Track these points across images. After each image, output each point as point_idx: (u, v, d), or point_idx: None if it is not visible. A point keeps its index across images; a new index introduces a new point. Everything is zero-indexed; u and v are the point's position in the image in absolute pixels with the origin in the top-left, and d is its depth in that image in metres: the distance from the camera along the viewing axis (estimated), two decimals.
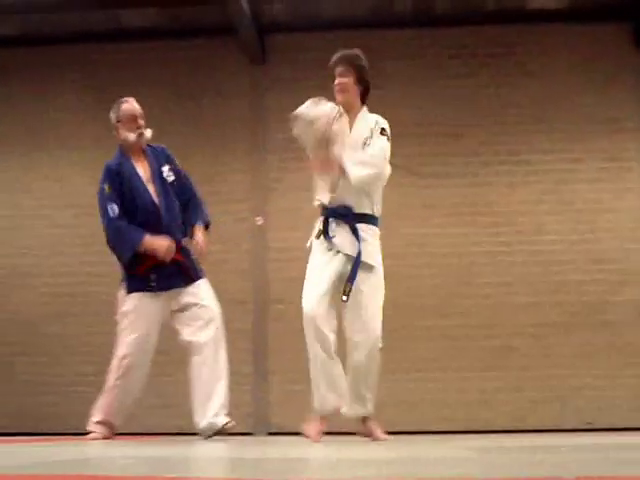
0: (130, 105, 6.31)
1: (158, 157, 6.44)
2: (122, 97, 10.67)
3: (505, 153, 10.24)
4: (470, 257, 10.06)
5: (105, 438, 6.33)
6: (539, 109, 10.29)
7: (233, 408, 6.53)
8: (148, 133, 6.42)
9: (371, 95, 10.37)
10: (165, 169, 6.40)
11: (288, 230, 9.94)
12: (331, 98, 10.36)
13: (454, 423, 9.64)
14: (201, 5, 10.44)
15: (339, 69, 5.88)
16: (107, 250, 10.34)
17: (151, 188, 6.34)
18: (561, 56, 10.41)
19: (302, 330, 9.32)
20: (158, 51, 10.90)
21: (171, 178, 6.39)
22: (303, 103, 10.29)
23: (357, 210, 5.77)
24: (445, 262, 10.07)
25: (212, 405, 6.19)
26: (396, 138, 10.26)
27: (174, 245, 6.20)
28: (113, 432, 6.47)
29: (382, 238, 10.01)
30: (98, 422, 6.41)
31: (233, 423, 6.29)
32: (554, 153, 10.23)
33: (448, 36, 10.54)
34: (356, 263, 5.61)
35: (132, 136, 6.35)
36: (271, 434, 9.65)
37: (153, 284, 6.25)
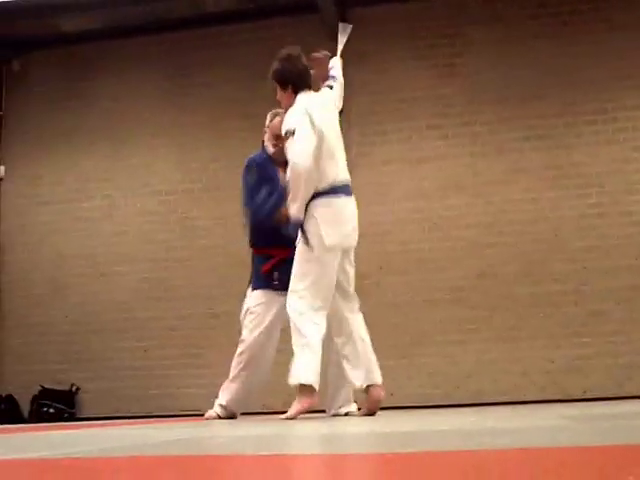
0: (278, 123, 6.22)
1: None
2: (204, 83, 10.90)
3: (591, 112, 9.79)
4: (558, 221, 9.66)
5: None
6: (626, 64, 9.81)
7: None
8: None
9: (452, 62, 10.26)
10: None
11: (376, 204, 9.74)
12: (411, 68, 10.26)
13: (546, 391, 9.30)
14: None
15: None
16: (193, 234, 10.56)
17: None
18: None
19: (393, 304, 9.20)
20: (239, 34, 10.85)
21: None
22: (384, 74, 10.26)
23: None
24: (533, 228, 9.69)
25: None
26: (478, 104, 10.09)
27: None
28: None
29: (471, 207, 9.90)
30: (220, 405, 6.40)
31: None
32: None
33: None
34: None
35: (270, 149, 6.42)
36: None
37: (276, 282, 6.28)
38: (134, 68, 11.14)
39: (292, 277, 5.76)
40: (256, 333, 6.27)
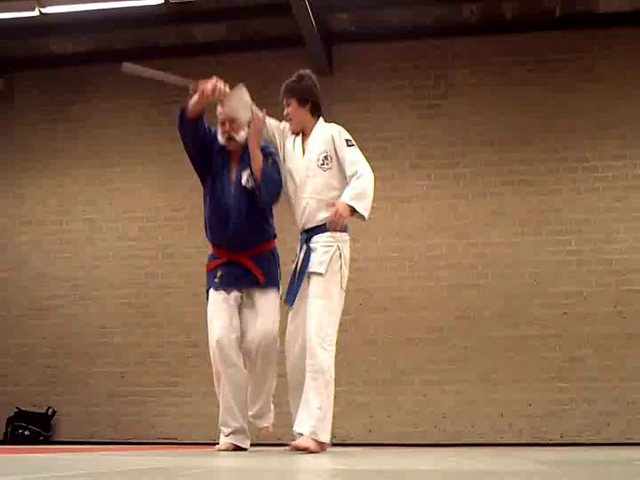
0: (222, 109, 5.86)
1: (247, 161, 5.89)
2: None
3: (573, 160, 9.72)
4: (538, 266, 9.56)
5: (235, 449, 5.75)
6: (608, 115, 9.76)
7: None
8: (240, 137, 5.82)
9: (437, 103, 10.14)
10: (245, 174, 5.85)
11: (356, 241, 9.49)
12: (396, 107, 10.11)
13: (522, 435, 9.18)
14: (269, 18, 10.17)
15: (283, 101, 5.76)
16: (174, 262, 10.32)
17: (231, 189, 5.84)
18: (631, 60, 9.85)
19: (371, 341, 8.98)
20: (227, 64, 10.62)
21: (250, 184, 5.84)
22: (369, 112, 10.09)
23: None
24: (513, 272, 9.58)
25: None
26: (462, 146, 9.96)
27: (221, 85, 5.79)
28: (242, 440, 5.82)
29: (452, 248, 9.76)
30: (225, 435, 5.80)
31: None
32: (624, 159, 9.69)
33: (514, 42, 10.08)
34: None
35: (221, 139, 5.89)
36: (335, 445, 9.25)
37: (217, 281, 5.85)
38: (121, 93, 10.88)
39: (321, 313, 5.35)
40: (212, 342, 5.82)
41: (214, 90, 5.61)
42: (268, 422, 5.92)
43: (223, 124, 5.87)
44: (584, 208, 9.59)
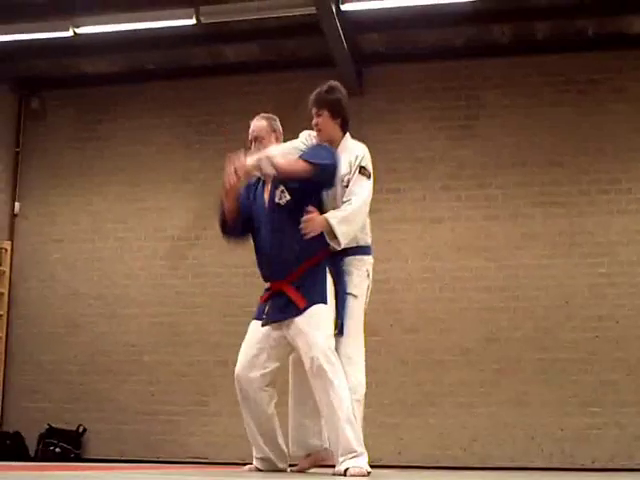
0: (252, 125, 5.68)
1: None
2: (222, 131, 10.62)
3: (605, 182, 9.56)
4: (570, 289, 9.39)
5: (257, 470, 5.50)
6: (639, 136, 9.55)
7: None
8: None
9: (468, 124, 10.03)
10: (278, 191, 5.58)
11: (387, 262, 9.42)
12: (426, 128, 10.01)
13: (553, 459, 9.02)
14: (300, 38, 10.12)
15: (312, 110, 5.47)
16: (204, 281, 10.25)
17: (265, 211, 5.48)
18: None
19: (402, 363, 8.83)
20: (258, 84, 10.60)
21: (284, 199, 5.57)
22: (399, 134, 10.00)
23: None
24: (544, 294, 9.43)
25: None
26: (493, 168, 9.85)
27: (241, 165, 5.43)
28: (270, 466, 5.52)
29: (482, 269, 9.64)
30: (256, 457, 5.54)
31: None
32: None
33: (546, 63, 9.94)
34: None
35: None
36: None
37: (264, 316, 5.45)
38: (152, 113, 10.88)
39: (351, 337, 5.19)
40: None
41: (230, 182, 5.36)
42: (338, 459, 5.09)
43: (251, 142, 5.64)
44: (616, 231, 9.42)
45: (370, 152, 9.52)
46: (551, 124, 9.78)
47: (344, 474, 4.82)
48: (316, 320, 5.17)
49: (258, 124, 5.64)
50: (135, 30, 9.99)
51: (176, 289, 10.42)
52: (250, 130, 5.63)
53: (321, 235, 5.21)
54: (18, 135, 11.27)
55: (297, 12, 9.48)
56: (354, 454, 4.88)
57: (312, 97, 5.54)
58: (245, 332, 9.53)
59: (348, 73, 9.99)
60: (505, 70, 10.01)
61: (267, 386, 5.38)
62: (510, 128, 9.87)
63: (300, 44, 10.28)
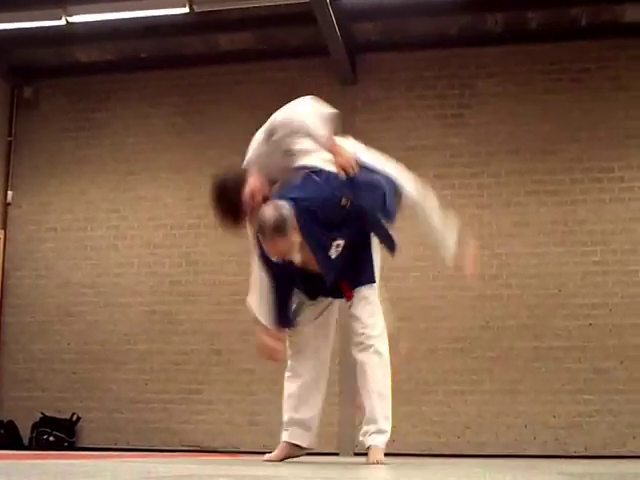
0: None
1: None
2: (215, 120, 10.49)
3: (598, 170, 9.48)
4: (563, 277, 9.32)
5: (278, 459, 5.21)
6: (634, 124, 9.50)
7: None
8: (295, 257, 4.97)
9: (461, 113, 9.93)
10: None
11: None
12: (420, 117, 9.90)
13: (546, 447, 8.94)
14: (294, 27, 10.00)
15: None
16: (198, 269, 10.13)
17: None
18: None
19: (394, 351, 8.69)
20: (252, 73, 10.50)
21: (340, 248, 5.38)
22: (392, 122, 9.88)
23: None
24: (537, 282, 9.35)
25: None
26: (486, 156, 9.74)
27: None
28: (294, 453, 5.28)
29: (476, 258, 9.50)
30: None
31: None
32: None
33: (539, 52, 9.85)
34: None
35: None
36: (357, 454, 9.07)
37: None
38: (146, 102, 10.76)
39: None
40: None
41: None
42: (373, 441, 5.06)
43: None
44: (610, 219, 9.34)
45: (363, 141, 9.42)
46: (544, 112, 9.69)
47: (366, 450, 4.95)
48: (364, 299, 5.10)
49: (274, 248, 4.78)
50: (128, 19, 9.90)
51: (170, 278, 10.31)
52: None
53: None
54: (11, 124, 11.13)
55: (291, 1, 9.40)
56: (378, 429, 4.99)
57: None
58: (238, 320, 9.49)
59: (341, 61, 9.91)
60: (498, 59, 9.92)
61: None
62: (503, 116, 9.78)
63: (294, 33, 10.16)
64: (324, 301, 5.24)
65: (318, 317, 5.28)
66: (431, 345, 9.40)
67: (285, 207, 4.82)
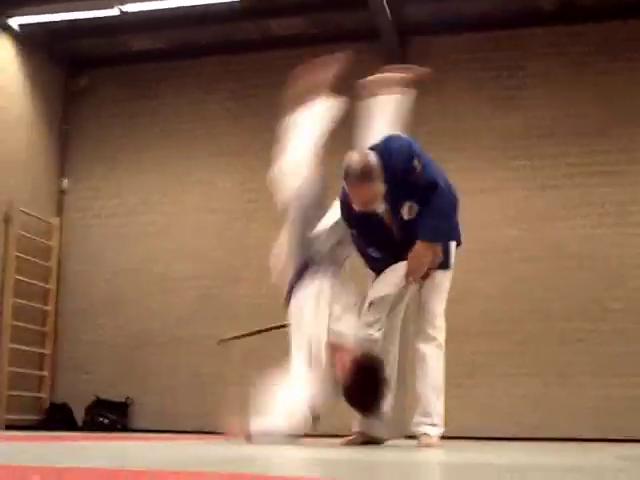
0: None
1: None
2: (270, 104, 10.49)
3: None
4: (616, 259, 9.17)
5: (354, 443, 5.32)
6: None
7: None
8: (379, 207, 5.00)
9: (513, 95, 9.82)
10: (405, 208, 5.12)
11: None
12: (471, 99, 9.80)
13: (599, 430, 8.76)
14: (345, 11, 9.99)
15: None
16: (250, 254, 10.13)
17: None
18: None
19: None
20: (304, 58, 10.40)
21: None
22: (444, 105, 9.80)
23: None
24: (589, 264, 9.19)
25: None
26: (538, 138, 9.61)
27: None
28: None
29: (524, 240, 9.41)
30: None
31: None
32: None
33: (593, 32, 9.72)
34: None
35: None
36: (407, 437, 8.99)
37: None
38: (199, 88, 10.83)
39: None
40: None
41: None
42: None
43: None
44: None
45: (414, 125, 9.33)
46: (597, 94, 9.53)
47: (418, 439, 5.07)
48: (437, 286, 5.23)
49: (360, 194, 4.85)
50: (180, 7, 9.96)
51: (222, 263, 10.33)
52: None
53: None
54: (65, 112, 11.27)
55: None
56: (432, 423, 5.14)
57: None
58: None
59: (392, 45, 9.89)
60: (550, 39, 9.80)
61: None
62: (556, 98, 9.66)
63: (345, 16, 10.15)
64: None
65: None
66: (479, 328, 9.30)
67: (371, 155, 4.83)
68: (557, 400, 9.02)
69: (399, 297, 5.16)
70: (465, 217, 9.55)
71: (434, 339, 5.19)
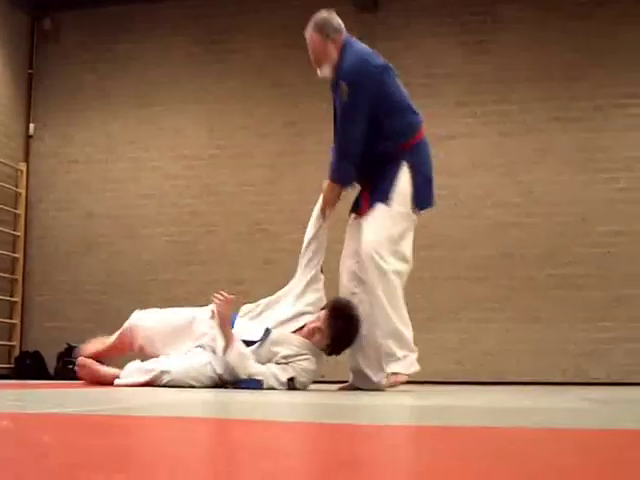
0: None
1: None
2: (232, 48, 10.39)
3: (622, 96, 9.28)
4: (585, 205, 9.19)
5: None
6: None
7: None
8: (323, 71, 5.37)
9: (483, 40, 9.75)
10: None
11: None
12: (441, 44, 9.72)
13: (566, 374, 8.91)
14: None
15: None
16: (218, 200, 10.09)
17: None
18: None
19: (415, 280, 8.70)
20: (269, 1, 10.29)
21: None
22: (414, 50, 9.72)
23: None
24: (559, 210, 9.23)
25: None
26: (510, 82, 9.57)
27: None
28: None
29: (497, 186, 9.44)
30: None
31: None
32: None
33: None
34: None
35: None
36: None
37: None
38: (166, 32, 10.65)
39: None
40: None
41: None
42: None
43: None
44: (633, 145, 9.17)
45: None
46: (567, 37, 9.48)
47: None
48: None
49: (310, 43, 5.35)
50: None
51: (191, 208, 10.28)
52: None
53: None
54: (31, 57, 11.06)
55: None
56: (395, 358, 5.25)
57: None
58: (259, 249, 9.53)
59: None
60: None
61: None
62: (525, 42, 9.59)
63: None
64: None
65: None
66: (451, 273, 9.35)
67: (337, 25, 5.29)
68: (527, 345, 9.11)
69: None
70: (435, 164, 9.59)
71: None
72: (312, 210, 5.68)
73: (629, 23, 9.35)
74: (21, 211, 10.68)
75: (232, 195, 10.15)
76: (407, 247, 5.36)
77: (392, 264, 5.24)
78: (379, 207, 5.32)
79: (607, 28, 9.39)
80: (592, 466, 1.54)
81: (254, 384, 5.05)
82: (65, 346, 10.14)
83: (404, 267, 5.34)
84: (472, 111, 9.55)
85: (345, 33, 5.35)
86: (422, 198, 5.42)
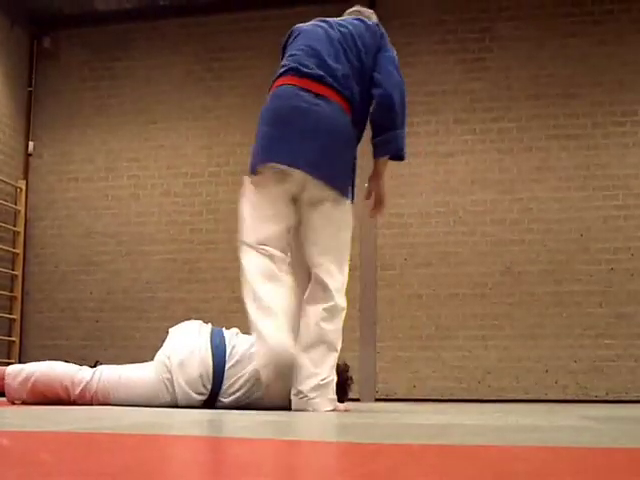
0: None
1: None
2: (231, 66, 10.41)
3: (620, 114, 9.30)
4: (584, 222, 9.19)
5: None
6: None
7: None
8: None
9: (482, 57, 9.77)
10: None
11: (400, 196, 9.27)
12: (440, 61, 9.74)
13: (567, 391, 8.89)
14: None
15: None
16: (218, 217, 10.08)
17: None
18: None
19: (415, 297, 8.71)
20: (270, 20, 10.36)
21: None
22: (413, 67, 9.74)
23: None
24: (558, 227, 9.23)
25: None
26: (507, 100, 9.60)
27: None
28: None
29: (496, 203, 9.44)
30: None
31: None
32: None
33: None
34: None
35: None
36: (378, 400, 9.04)
37: None
38: (165, 50, 10.66)
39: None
40: None
41: None
42: None
43: None
44: (632, 163, 9.18)
45: None
46: (566, 55, 9.50)
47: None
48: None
49: None
50: None
51: (190, 226, 10.28)
52: None
53: None
54: (31, 74, 11.06)
55: None
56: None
57: None
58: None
59: (361, 5, 9.70)
60: (519, 1, 9.70)
61: None
62: (524, 60, 9.61)
63: None
64: None
65: None
66: (451, 290, 9.33)
67: None
68: (527, 362, 9.08)
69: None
70: (434, 181, 9.65)
71: None
72: None
73: (627, 42, 9.37)
74: (20, 229, 10.66)
75: (232, 212, 10.05)
76: None
77: None
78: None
79: (605, 46, 9.41)
80: None
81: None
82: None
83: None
84: (470, 128, 9.56)
85: None
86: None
